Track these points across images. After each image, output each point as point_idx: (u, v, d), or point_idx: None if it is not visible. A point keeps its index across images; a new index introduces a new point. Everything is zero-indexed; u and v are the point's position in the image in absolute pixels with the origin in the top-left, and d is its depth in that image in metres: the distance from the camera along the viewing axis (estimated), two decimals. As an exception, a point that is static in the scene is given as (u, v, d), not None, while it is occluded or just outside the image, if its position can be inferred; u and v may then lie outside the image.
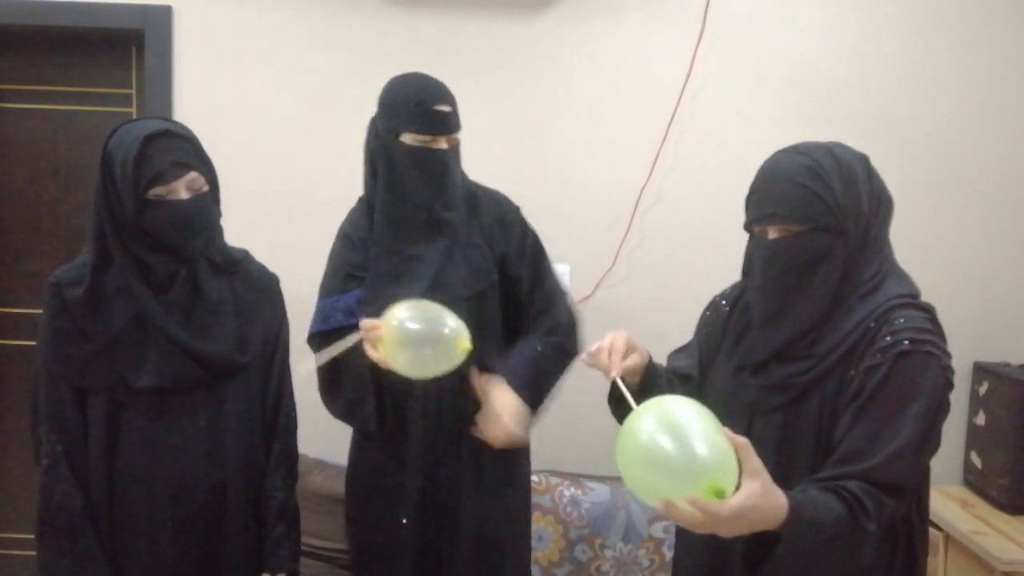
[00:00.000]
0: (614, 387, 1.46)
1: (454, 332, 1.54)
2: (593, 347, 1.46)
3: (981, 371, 2.54)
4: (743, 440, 1.11)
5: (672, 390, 1.49)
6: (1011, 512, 2.36)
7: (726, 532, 1.11)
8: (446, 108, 1.73)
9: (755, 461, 1.11)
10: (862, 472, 1.22)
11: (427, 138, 1.72)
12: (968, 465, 2.59)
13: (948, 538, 2.33)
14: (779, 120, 2.56)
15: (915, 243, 2.62)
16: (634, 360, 1.47)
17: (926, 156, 2.57)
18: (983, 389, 2.52)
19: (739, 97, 2.56)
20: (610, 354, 1.43)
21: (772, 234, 1.40)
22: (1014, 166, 2.59)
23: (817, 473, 1.26)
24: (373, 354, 1.55)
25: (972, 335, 2.60)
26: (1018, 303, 2.62)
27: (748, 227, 1.48)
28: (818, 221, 1.34)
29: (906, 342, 1.29)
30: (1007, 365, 2.50)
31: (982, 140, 2.57)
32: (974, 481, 2.55)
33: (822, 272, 1.35)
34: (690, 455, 1.09)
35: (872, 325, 1.31)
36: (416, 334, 1.52)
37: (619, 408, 1.46)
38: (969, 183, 2.59)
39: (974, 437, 2.56)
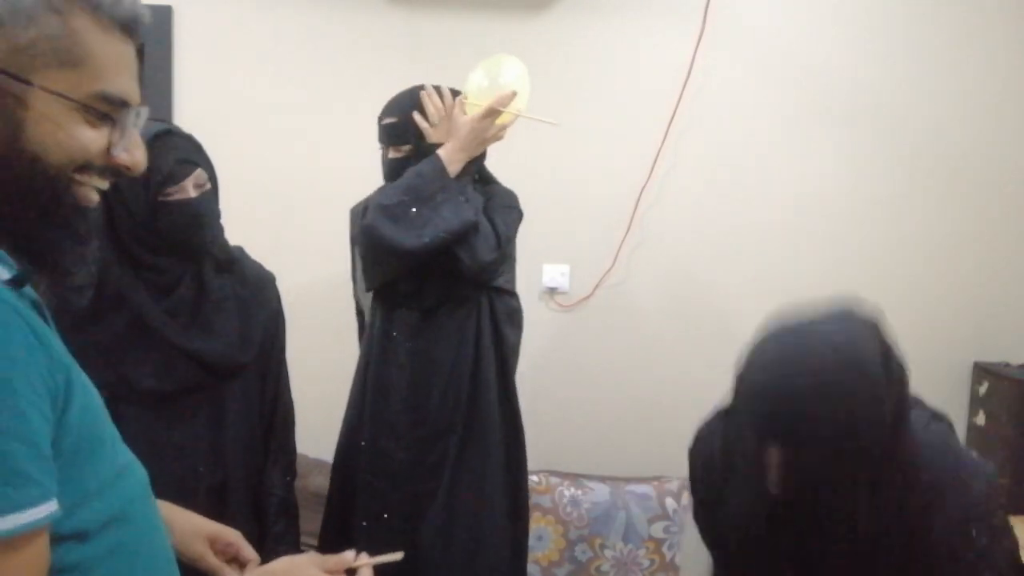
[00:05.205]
0: None
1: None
2: None
3: (981, 371, 2.54)
4: None
5: None
6: (1011, 512, 2.35)
7: None
8: (389, 120, 1.87)
9: None
10: None
11: (381, 147, 1.91)
12: (968, 465, 2.59)
13: (948, 538, 2.33)
14: (779, 119, 2.57)
15: (916, 242, 2.63)
16: None
17: (927, 155, 2.57)
18: (983, 389, 2.52)
19: (739, 97, 2.56)
20: None
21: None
22: (1015, 166, 2.59)
23: None
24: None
25: (972, 335, 2.61)
26: (1018, 303, 2.62)
27: (746, 440, 1.17)
28: (850, 473, 1.10)
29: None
30: (1007, 365, 2.51)
31: (983, 139, 2.57)
32: (974, 481, 2.55)
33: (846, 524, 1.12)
34: None
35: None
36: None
37: None
38: (970, 182, 2.59)
39: (974, 437, 2.56)
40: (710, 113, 2.55)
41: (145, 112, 0.84)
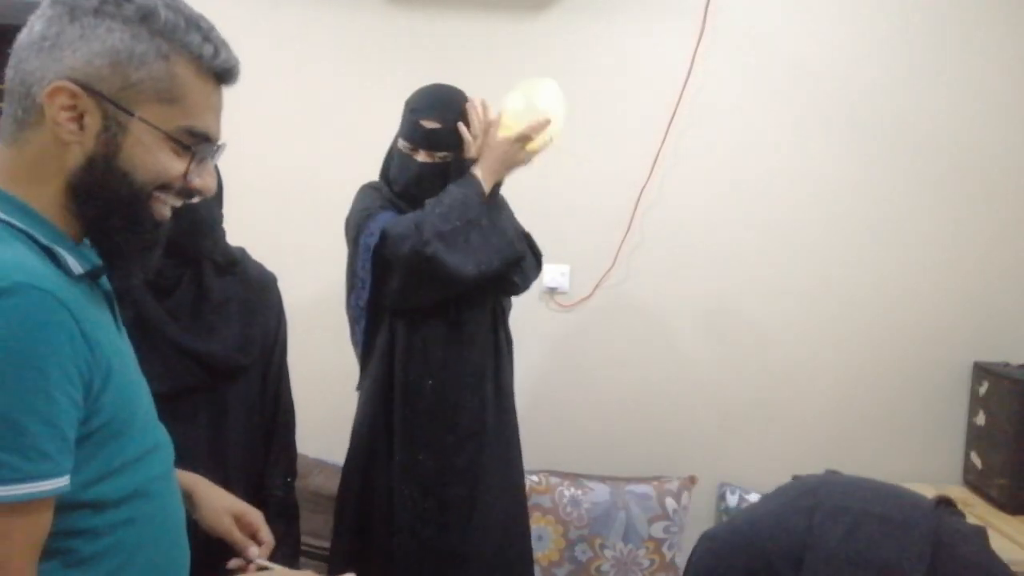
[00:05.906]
0: None
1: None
2: None
3: (981, 371, 2.54)
4: None
5: None
6: (1011, 512, 2.36)
7: None
8: (432, 125, 1.81)
9: None
10: None
11: (409, 147, 1.84)
12: (968, 465, 2.59)
13: (948, 538, 2.33)
14: (779, 119, 2.57)
15: (916, 242, 2.63)
16: None
17: (927, 155, 2.57)
18: (983, 389, 2.52)
19: (739, 97, 2.56)
20: None
21: None
22: (1015, 166, 2.59)
23: None
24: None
25: (972, 335, 2.61)
26: (1018, 303, 2.62)
27: None
28: None
29: None
30: (1007, 365, 2.51)
31: (983, 139, 2.58)
32: (974, 481, 2.55)
33: None
34: None
35: None
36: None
37: None
38: (970, 182, 2.59)
39: (974, 437, 2.56)
40: (710, 113, 2.55)
41: (224, 148, 1.01)
